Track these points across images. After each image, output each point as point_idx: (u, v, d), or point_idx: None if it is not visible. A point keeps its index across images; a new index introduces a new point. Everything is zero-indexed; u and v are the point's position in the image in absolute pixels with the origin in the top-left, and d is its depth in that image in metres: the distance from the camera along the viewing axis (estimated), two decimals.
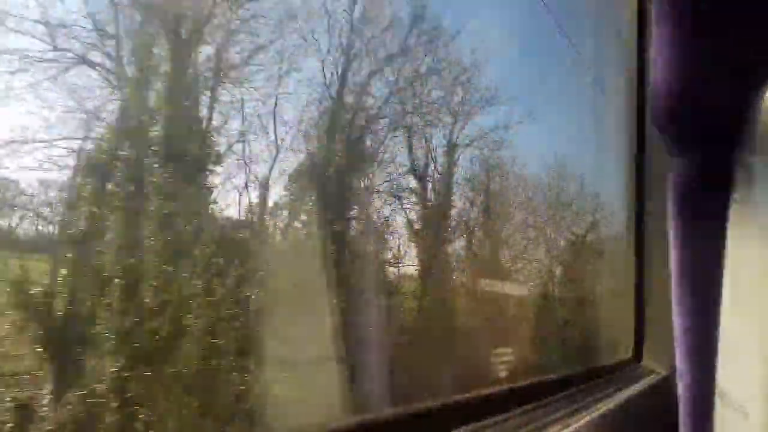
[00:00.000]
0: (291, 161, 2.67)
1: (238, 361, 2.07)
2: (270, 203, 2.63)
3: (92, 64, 1.90)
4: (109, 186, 1.93)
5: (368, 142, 3.04)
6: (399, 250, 3.30)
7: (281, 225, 2.81)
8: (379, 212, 3.18)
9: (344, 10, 2.86)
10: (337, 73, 2.79)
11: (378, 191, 3.20)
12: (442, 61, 3.36)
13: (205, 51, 2.25)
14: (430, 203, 3.57)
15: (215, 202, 2.26)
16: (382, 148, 3.15)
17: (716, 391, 0.57)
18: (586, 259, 4.15)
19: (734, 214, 0.55)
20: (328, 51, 2.75)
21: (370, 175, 3.15)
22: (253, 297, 2.20)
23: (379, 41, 2.99)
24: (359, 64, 2.91)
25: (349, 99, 2.90)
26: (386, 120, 3.07)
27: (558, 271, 4.25)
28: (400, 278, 3.39)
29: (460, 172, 3.63)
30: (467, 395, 0.85)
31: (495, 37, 3.28)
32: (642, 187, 1.37)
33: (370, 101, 3.02)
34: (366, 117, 3.00)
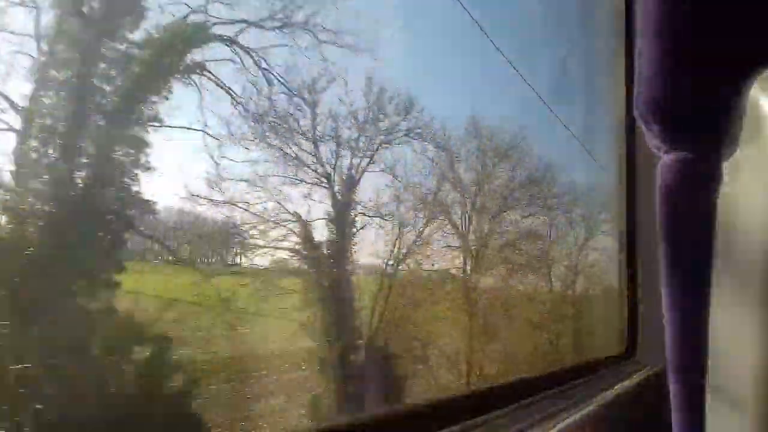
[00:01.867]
0: None
1: None
2: None
3: None
4: None
5: None
6: None
7: None
8: None
9: None
10: None
11: None
12: None
13: None
14: None
15: None
16: None
17: (708, 385, 0.57)
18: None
19: (722, 207, 0.55)
20: None
21: None
22: None
23: None
24: None
25: None
26: None
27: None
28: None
29: None
30: (461, 393, 0.85)
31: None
32: (633, 183, 1.38)
33: None
34: None
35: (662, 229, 0.61)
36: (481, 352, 3.54)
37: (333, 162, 3.09)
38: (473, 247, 3.92)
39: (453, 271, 3.80)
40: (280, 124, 2.85)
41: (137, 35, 2.10)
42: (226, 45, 2.52)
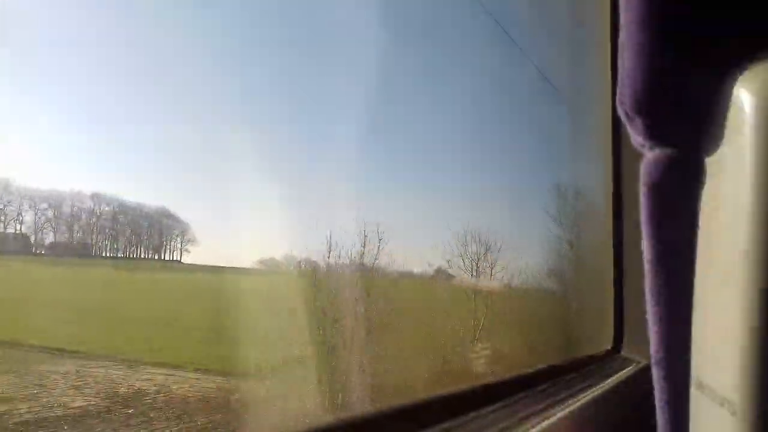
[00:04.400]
0: None
1: None
2: None
3: None
4: None
5: None
6: None
7: None
8: None
9: None
10: None
11: None
12: None
13: None
14: None
15: None
16: None
17: (692, 379, 0.58)
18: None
19: (705, 203, 0.56)
20: None
21: None
22: None
23: None
24: None
25: None
26: None
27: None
28: None
29: None
30: (450, 391, 0.85)
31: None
32: (619, 179, 1.38)
33: None
34: None
35: (646, 225, 0.61)
36: None
37: None
38: None
39: None
40: None
41: None
42: None
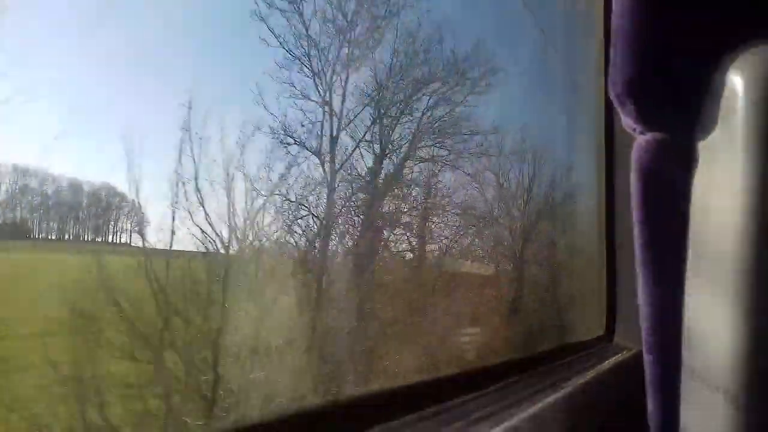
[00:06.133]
0: None
1: None
2: None
3: None
4: None
5: None
6: None
7: None
8: None
9: None
10: None
11: None
12: None
13: None
14: None
15: None
16: None
17: (684, 365, 0.58)
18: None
19: (697, 188, 0.55)
20: None
21: None
22: None
23: None
24: None
25: None
26: None
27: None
28: None
29: None
30: (437, 375, 0.85)
31: None
32: (612, 164, 1.38)
33: None
34: None
35: (637, 210, 0.61)
36: None
37: None
38: None
39: None
40: None
41: None
42: None
